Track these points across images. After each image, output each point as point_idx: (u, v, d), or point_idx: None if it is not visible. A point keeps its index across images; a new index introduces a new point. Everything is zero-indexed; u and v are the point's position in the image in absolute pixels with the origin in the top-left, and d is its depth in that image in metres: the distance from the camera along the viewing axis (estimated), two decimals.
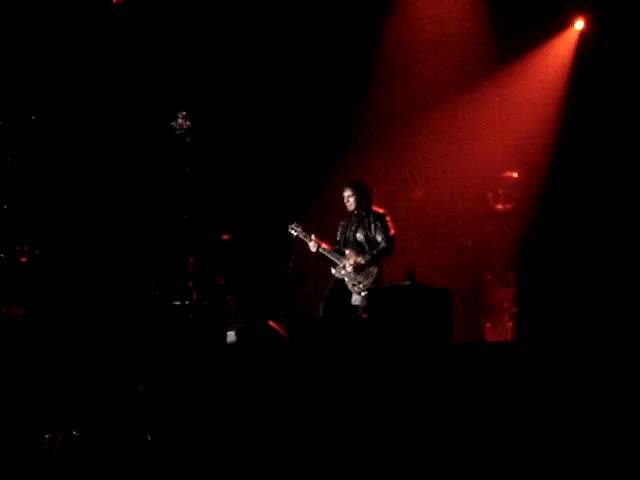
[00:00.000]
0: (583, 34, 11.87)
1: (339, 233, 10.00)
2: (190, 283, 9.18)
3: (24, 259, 9.86)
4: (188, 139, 9.92)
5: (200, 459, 6.70)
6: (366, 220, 9.80)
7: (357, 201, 9.85)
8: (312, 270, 10.83)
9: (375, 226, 9.74)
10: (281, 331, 8.45)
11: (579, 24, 11.87)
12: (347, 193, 9.90)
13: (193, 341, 8.28)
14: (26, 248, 9.86)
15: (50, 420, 7.14)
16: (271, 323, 8.52)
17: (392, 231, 9.74)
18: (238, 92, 12.03)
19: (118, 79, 11.36)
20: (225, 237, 11.43)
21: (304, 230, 9.95)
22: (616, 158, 11.29)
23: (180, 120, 9.88)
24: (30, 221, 10.25)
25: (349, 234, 9.87)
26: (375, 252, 9.69)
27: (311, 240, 9.86)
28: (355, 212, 9.88)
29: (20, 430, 7.02)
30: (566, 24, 11.93)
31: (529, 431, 6.55)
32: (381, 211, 9.86)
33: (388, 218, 9.80)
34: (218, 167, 11.77)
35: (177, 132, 10.04)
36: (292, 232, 9.99)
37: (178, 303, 8.76)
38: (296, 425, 6.98)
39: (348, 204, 9.91)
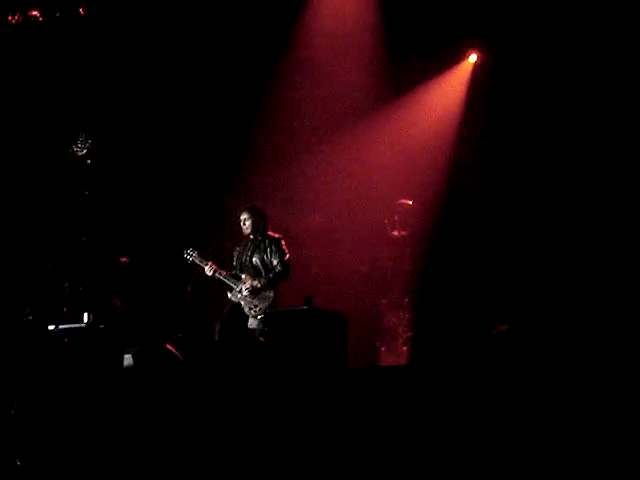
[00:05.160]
0: (477, 67, 12.13)
1: (235, 258, 10.09)
2: (65, 309, 9.12)
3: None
4: (88, 161, 9.91)
5: None
6: (262, 244, 9.94)
7: (253, 224, 9.99)
8: (211, 294, 10.85)
9: (271, 250, 9.89)
10: (177, 354, 8.46)
11: (473, 57, 12.12)
12: (244, 216, 10.03)
13: (89, 364, 8.26)
14: None
15: None
16: (168, 346, 8.52)
17: (287, 255, 9.91)
18: (138, 115, 12.05)
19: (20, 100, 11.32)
20: (123, 260, 11.41)
21: (200, 255, 10.01)
22: (508, 183, 11.53)
23: (80, 143, 9.87)
24: None
25: (245, 258, 9.99)
26: (271, 275, 9.83)
27: (207, 265, 9.95)
28: (251, 236, 10.01)
29: None
30: (460, 57, 12.17)
31: (420, 456, 6.67)
32: (277, 235, 10.02)
33: (283, 242, 9.97)
34: (118, 190, 11.75)
35: (77, 154, 10.02)
36: (188, 257, 10.05)
37: (52, 327, 8.69)
38: (193, 447, 7.02)
39: (244, 227, 10.03)
